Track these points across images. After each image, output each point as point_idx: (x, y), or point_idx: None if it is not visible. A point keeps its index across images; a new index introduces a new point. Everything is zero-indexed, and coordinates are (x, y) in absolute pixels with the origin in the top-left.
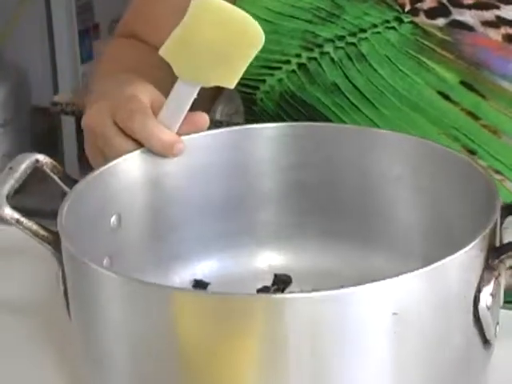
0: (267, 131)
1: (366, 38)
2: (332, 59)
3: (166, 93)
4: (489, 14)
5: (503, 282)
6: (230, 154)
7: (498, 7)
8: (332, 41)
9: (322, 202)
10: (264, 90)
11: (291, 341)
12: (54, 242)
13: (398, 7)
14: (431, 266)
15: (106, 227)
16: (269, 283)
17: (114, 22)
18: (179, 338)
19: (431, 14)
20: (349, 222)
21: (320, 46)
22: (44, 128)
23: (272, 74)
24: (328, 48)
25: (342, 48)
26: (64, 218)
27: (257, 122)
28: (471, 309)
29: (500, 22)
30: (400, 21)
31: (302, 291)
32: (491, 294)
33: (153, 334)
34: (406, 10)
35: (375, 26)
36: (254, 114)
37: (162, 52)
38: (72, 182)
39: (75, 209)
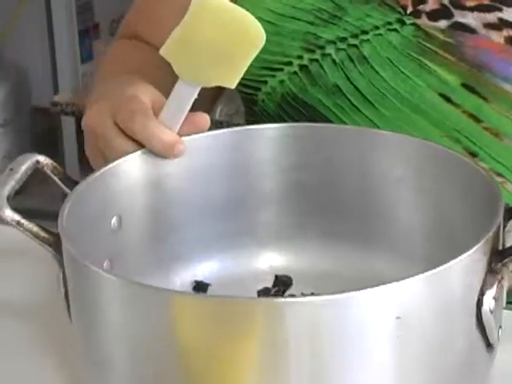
0: (268, 132)
1: (368, 39)
2: (334, 61)
3: (167, 93)
4: (491, 17)
5: (506, 285)
6: (231, 154)
7: (500, 9)
8: (334, 42)
9: (323, 202)
10: (265, 91)
11: (292, 345)
12: (54, 243)
13: (400, 9)
14: (434, 269)
15: (106, 228)
16: (269, 284)
17: (114, 21)
18: (179, 341)
19: (433, 16)
20: (349, 223)
21: (322, 47)
22: (44, 128)
23: (273, 76)
24: (330, 50)
25: (343, 50)
26: (65, 219)
27: (257, 122)
28: (474, 312)
29: (502, 24)
30: (402, 23)
31: (302, 294)
32: (494, 298)
33: (153, 337)
34: (408, 12)
35: (377, 27)
36: (254, 114)
37: (162, 52)
38: (72, 184)
39: (76, 210)
